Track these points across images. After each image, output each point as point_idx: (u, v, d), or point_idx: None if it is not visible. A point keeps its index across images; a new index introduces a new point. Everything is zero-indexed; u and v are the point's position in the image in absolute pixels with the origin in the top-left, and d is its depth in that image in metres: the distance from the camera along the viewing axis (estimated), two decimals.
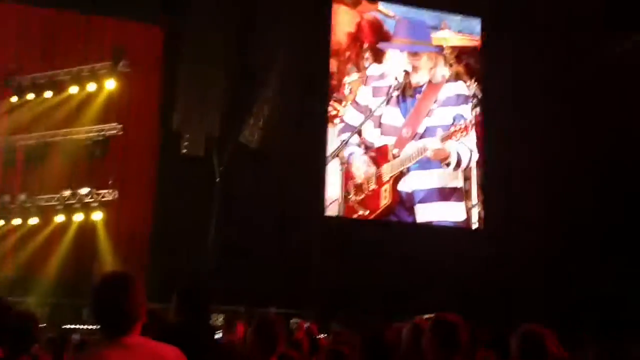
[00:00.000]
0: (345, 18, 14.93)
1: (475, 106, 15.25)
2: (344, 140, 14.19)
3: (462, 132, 14.22)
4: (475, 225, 14.89)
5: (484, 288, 13.45)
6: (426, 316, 4.06)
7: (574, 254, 13.99)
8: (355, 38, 14.87)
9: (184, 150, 12.94)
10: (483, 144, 15.09)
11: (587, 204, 14.33)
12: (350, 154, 14.35)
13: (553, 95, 14.85)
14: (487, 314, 11.88)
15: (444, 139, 14.36)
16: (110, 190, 12.51)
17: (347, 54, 14.78)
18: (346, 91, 14.64)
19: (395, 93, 14.60)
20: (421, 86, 14.84)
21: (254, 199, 13.16)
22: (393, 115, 14.59)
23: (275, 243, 12.91)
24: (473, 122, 15.03)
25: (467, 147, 14.79)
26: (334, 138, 14.38)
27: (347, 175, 14.24)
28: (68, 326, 9.13)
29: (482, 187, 14.95)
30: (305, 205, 13.61)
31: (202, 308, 3.74)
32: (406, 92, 14.67)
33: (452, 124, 14.62)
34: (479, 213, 14.90)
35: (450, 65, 15.22)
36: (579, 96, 14.93)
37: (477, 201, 14.92)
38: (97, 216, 12.32)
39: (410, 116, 14.67)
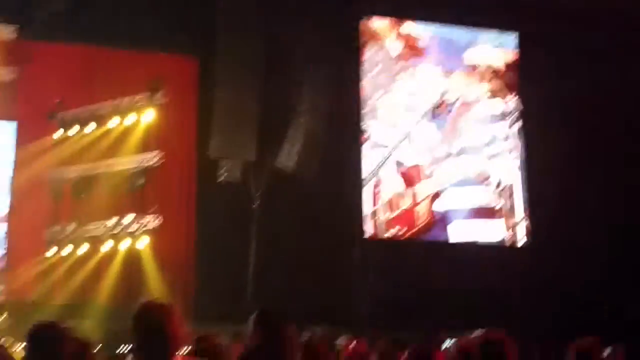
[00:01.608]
0: (376, 36, 14.81)
1: (515, 121, 15.01)
2: (381, 162, 14.21)
3: (505, 151, 14.13)
4: (521, 242, 14.64)
5: (530, 304, 13.45)
6: (473, 335, 4.18)
7: (618, 269, 13.86)
8: (387, 55, 14.76)
9: (222, 177, 13.22)
10: (525, 160, 14.85)
11: (634, 216, 14.19)
12: (382, 172, 14.25)
13: (596, 106, 14.53)
14: (534, 330, 11.93)
15: (487, 158, 14.32)
16: (154, 217, 12.79)
17: (378, 70, 14.62)
18: (376, 108, 14.53)
19: (429, 111, 14.56)
20: (454, 104, 14.76)
21: (292, 222, 13.38)
22: (426, 134, 14.50)
23: (315, 264, 13.07)
24: (514, 139, 14.87)
25: (507, 166, 14.68)
26: (364, 156, 14.31)
27: (379, 193, 14.14)
28: (122, 350, 9.40)
29: (526, 202, 14.67)
30: (344, 226, 13.75)
31: (280, 330, 3.77)
32: (440, 110, 14.63)
33: (489, 143, 14.56)
34: (526, 227, 14.64)
35: (489, 81, 15.08)
36: (625, 107, 14.72)
37: (522, 217, 14.65)
38: (143, 242, 12.63)
39: (445, 135, 14.59)
